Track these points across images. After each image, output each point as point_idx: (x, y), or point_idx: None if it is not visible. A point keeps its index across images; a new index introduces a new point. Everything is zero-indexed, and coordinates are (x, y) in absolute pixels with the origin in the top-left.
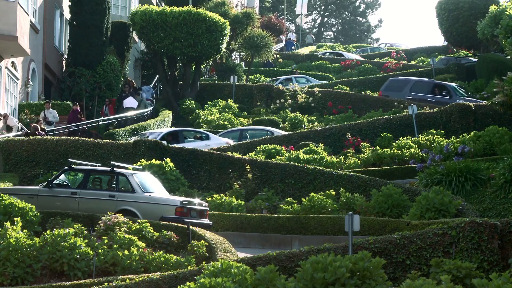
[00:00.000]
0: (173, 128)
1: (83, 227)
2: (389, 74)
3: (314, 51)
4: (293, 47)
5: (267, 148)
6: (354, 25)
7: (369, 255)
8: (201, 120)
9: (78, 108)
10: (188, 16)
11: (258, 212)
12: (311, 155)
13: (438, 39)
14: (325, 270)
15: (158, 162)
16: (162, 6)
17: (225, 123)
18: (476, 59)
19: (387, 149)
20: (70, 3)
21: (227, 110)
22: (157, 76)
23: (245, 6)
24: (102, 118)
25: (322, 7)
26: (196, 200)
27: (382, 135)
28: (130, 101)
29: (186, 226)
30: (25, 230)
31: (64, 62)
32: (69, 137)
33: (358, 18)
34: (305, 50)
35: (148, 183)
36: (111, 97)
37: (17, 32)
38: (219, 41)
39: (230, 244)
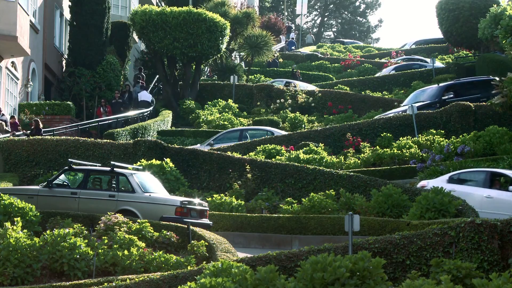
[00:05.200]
0: None
1: (83, 227)
2: (389, 74)
3: (314, 51)
4: (293, 47)
5: (267, 148)
6: (354, 25)
7: (369, 255)
8: (201, 120)
9: (17, 120)
10: (188, 16)
11: (258, 212)
12: (311, 155)
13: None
14: (325, 270)
15: (158, 162)
16: (162, 6)
17: (225, 123)
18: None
19: (387, 149)
20: (70, 3)
21: (227, 110)
22: (157, 76)
23: (245, 6)
24: (102, 118)
25: (322, 7)
26: (196, 200)
27: (382, 135)
28: (145, 95)
29: (186, 226)
30: (25, 230)
31: (64, 62)
32: (69, 137)
33: (358, 18)
34: (305, 50)
35: (148, 183)
36: (111, 97)
37: (17, 32)
38: (219, 41)
39: (230, 244)
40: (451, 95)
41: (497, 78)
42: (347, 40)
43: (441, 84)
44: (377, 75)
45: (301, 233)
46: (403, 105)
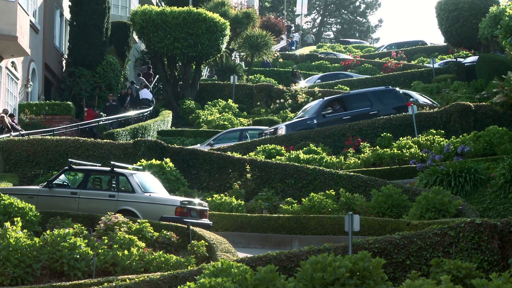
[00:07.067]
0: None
1: (83, 227)
2: (389, 74)
3: (314, 51)
4: (293, 47)
5: (267, 148)
6: (354, 25)
7: (369, 255)
8: (201, 120)
9: (15, 120)
10: (188, 16)
11: (258, 212)
12: (311, 155)
13: (438, 39)
14: (325, 270)
15: (158, 162)
16: (162, 6)
17: (225, 123)
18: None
19: (387, 149)
20: (70, 3)
21: (227, 110)
22: (157, 76)
23: (245, 6)
24: (103, 118)
25: (322, 7)
26: (196, 200)
27: (382, 135)
28: (146, 93)
29: (186, 226)
30: (25, 230)
31: (64, 62)
32: (69, 137)
33: (358, 18)
34: (305, 50)
35: (148, 183)
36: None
37: (17, 32)
38: (219, 41)
39: (230, 244)
40: (330, 111)
41: (398, 89)
42: (353, 40)
43: (325, 98)
44: (300, 84)
45: (301, 233)
46: (295, 118)
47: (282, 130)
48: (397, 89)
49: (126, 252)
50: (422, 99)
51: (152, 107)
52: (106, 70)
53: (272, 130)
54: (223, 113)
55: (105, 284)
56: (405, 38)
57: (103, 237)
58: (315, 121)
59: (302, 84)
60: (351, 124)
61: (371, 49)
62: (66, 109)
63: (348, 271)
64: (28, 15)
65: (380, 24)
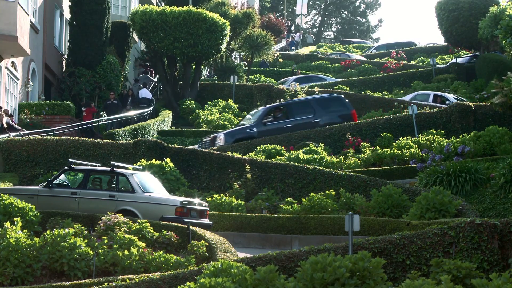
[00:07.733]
0: None
1: (83, 227)
2: (389, 74)
3: (314, 51)
4: (293, 47)
5: (267, 148)
6: (354, 25)
7: (369, 255)
8: (201, 120)
9: (14, 120)
10: (188, 16)
11: (258, 212)
12: (311, 155)
13: (438, 39)
14: (325, 270)
15: (158, 162)
16: (162, 6)
17: (225, 123)
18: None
19: (387, 149)
20: (70, 3)
21: (227, 110)
22: (157, 76)
23: (245, 6)
24: (103, 118)
25: (322, 7)
26: (196, 200)
27: (382, 135)
28: (145, 92)
29: (186, 226)
30: (25, 230)
31: (64, 62)
32: (69, 137)
33: (358, 18)
34: (305, 50)
35: (148, 183)
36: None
37: (17, 32)
38: (219, 41)
39: (230, 244)
40: (271, 119)
41: (343, 96)
42: (356, 40)
43: (267, 106)
44: (280, 85)
45: (301, 233)
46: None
47: (220, 139)
48: (343, 96)
49: (126, 252)
50: (453, 98)
51: (152, 107)
52: (106, 70)
53: (211, 138)
54: (223, 113)
55: (105, 284)
56: (395, 39)
57: (103, 237)
58: (255, 129)
59: (290, 80)
60: (351, 124)
61: (367, 49)
62: (66, 109)
63: (348, 271)
64: (28, 15)
65: (380, 24)
